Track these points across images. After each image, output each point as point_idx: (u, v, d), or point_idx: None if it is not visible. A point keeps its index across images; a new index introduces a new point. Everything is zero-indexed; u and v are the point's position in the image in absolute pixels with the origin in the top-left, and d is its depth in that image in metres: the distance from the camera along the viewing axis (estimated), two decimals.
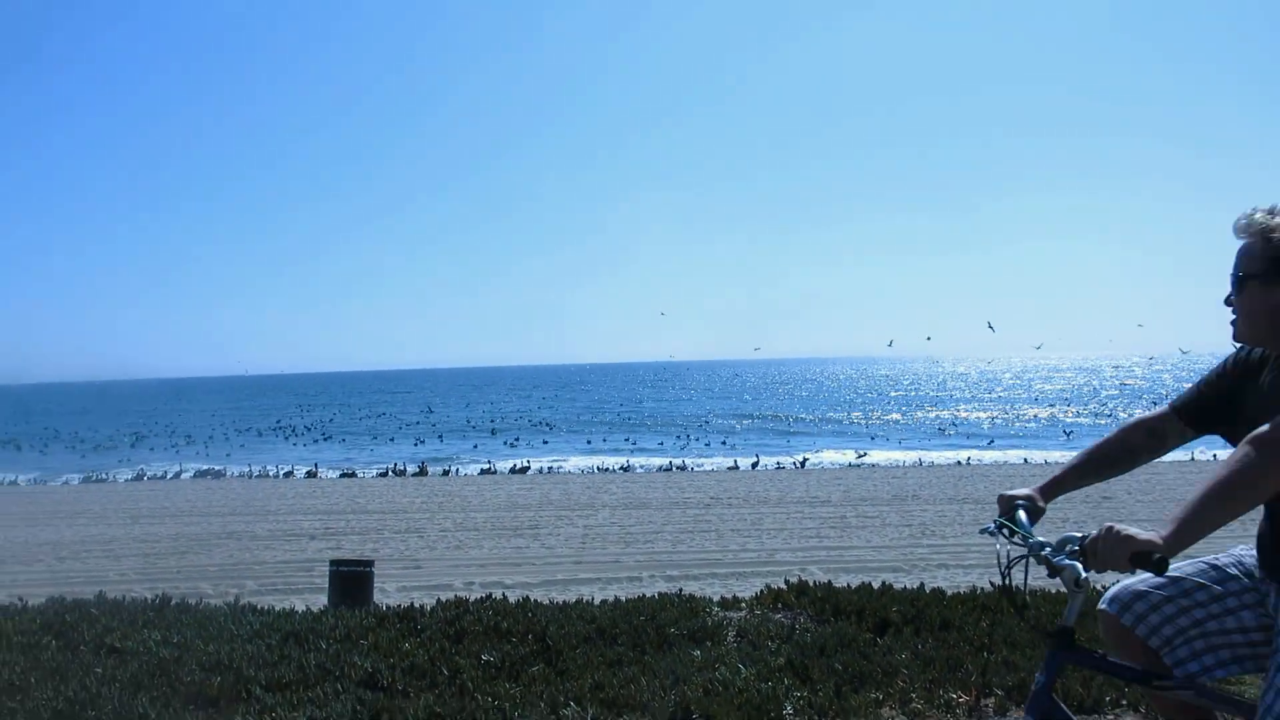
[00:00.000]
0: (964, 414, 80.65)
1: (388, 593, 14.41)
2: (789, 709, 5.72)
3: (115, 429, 78.33)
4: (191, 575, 17.14)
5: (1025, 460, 43.09)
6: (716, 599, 8.93)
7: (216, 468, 44.57)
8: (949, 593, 8.78)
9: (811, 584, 8.87)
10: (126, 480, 41.47)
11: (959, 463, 42.65)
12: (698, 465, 43.27)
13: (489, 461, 44.48)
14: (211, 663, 6.45)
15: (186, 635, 7.18)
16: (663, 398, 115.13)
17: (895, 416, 79.32)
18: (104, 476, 43.03)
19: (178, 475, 42.34)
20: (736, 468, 42.01)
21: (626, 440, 60.60)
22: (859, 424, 72.44)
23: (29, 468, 49.17)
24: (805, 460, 43.70)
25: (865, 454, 47.54)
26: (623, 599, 8.93)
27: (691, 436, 61.28)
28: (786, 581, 9.13)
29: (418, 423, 78.52)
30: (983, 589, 9.22)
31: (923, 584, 9.67)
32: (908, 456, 45.78)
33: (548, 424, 73.25)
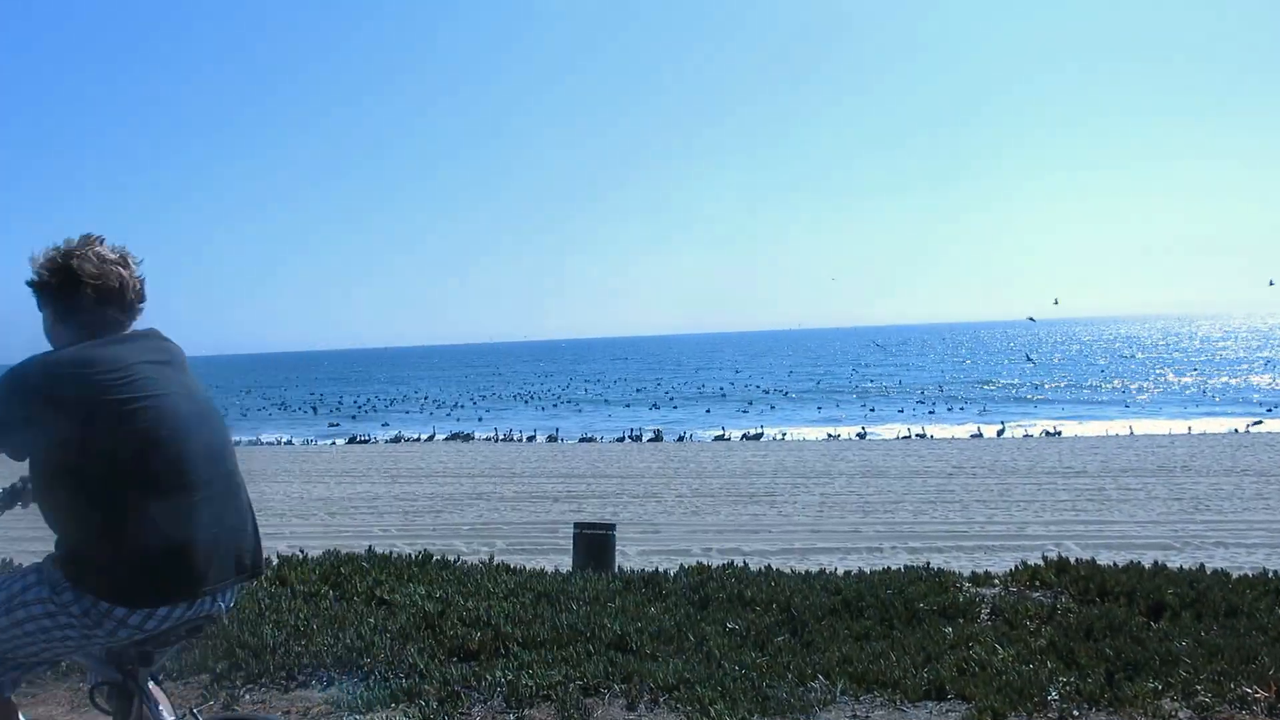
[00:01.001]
0: (1231, 380, 73.84)
1: (628, 556, 14.76)
2: (1054, 694, 5.38)
3: (367, 395, 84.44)
4: (446, 533, 18.19)
5: None
6: (966, 574, 8.58)
7: (466, 431, 47.16)
8: (1234, 575, 8.01)
9: (1073, 561, 8.34)
10: (386, 442, 44.61)
11: (1235, 431, 39.09)
12: (938, 433, 41.88)
13: (722, 428, 44.79)
14: (471, 618, 6.79)
15: (448, 591, 7.60)
16: (893, 363, 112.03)
17: (1144, 384, 73.65)
18: (366, 438, 46.48)
19: (431, 438, 45.11)
20: (980, 435, 40.33)
21: (863, 406, 59.50)
22: (1111, 391, 67.89)
23: (301, 429, 53.88)
24: (1059, 430, 41.35)
25: (1130, 424, 44.13)
26: (865, 570, 8.73)
27: (930, 402, 59.38)
28: (1044, 558, 8.62)
29: (647, 389, 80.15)
30: (1276, 571, 8.37)
31: (1201, 564, 8.89)
32: (1173, 426, 42.42)
33: (782, 391, 72.90)
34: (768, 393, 71.77)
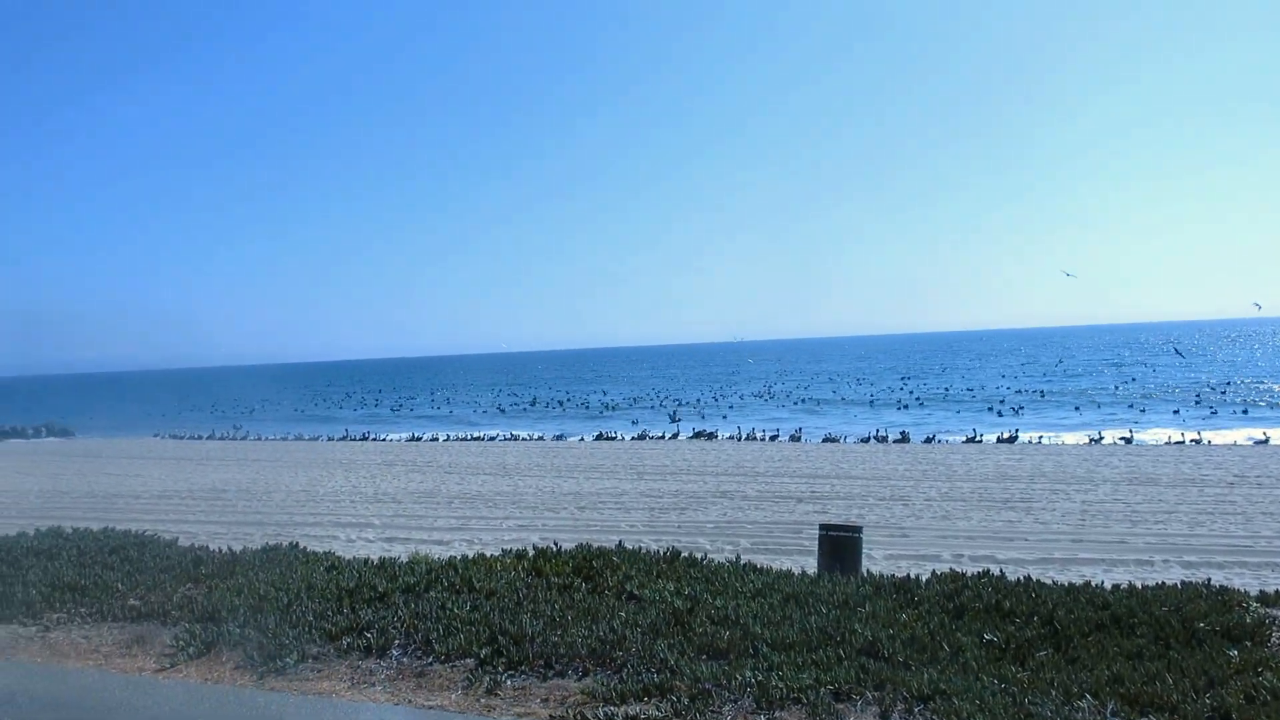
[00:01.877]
0: None
1: (875, 559, 14.47)
2: None
3: (612, 394, 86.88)
4: (690, 530, 18.45)
5: None
6: (1253, 593, 7.87)
7: (709, 430, 47.64)
8: None
9: None
10: (631, 439, 45.77)
11: None
12: (1215, 438, 38.42)
13: (974, 430, 43.01)
14: (720, 617, 6.88)
15: (696, 588, 7.74)
16: (1152, 363, 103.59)
17: None
18: (613, 435, 47.89)
19: (675, 436, 45.90)
20: (1265, 441, 36.69)
21: (1130, 407, 55.57)
22: None
23: (550, 426, 56.24)
24: None
25: None
26: (1135, 585, 8.17)
27: (1207, 405, 54.61)
28: None
29: (889, 390, 78.13)
30: None
31: None
32: None
33: (1039, 391, 69.15)
34: (1019, 394, 68.24)
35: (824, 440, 41.62)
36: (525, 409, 74.72)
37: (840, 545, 11.06)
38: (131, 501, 24.29)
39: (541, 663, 6.28)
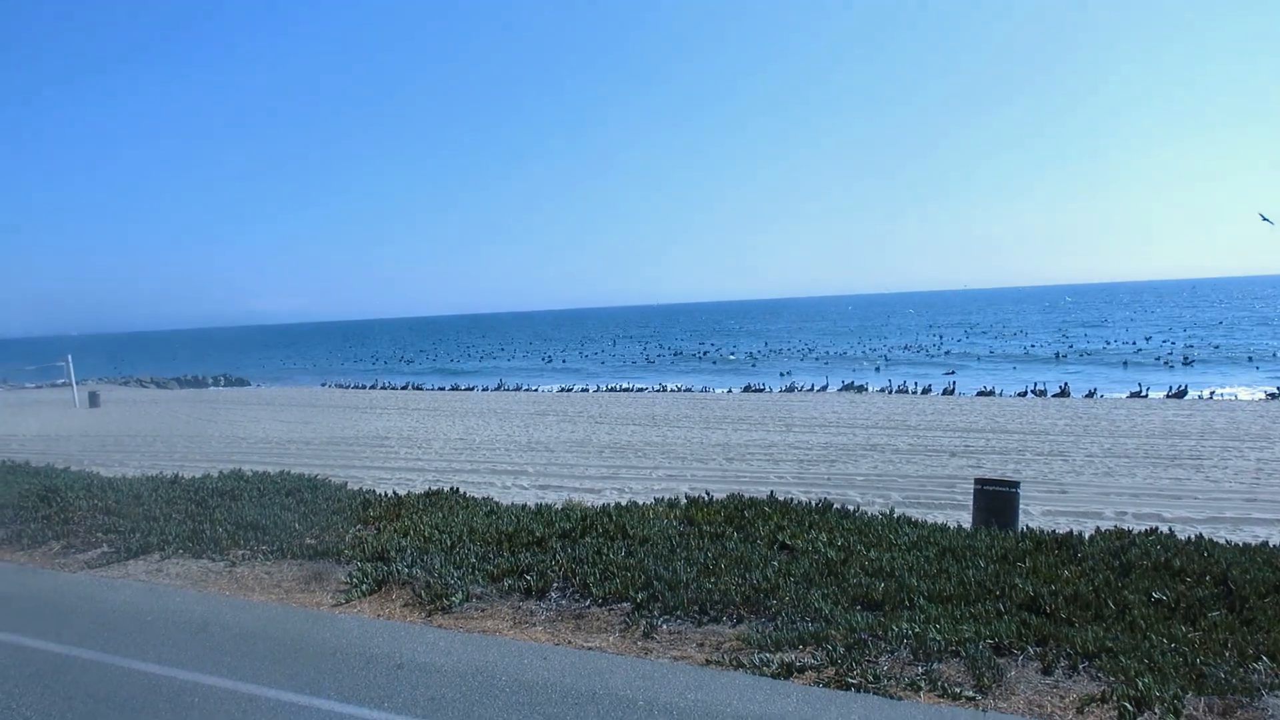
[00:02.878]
0: None
1: (1032, 515, 14.07)
2: None
3: (755, 345, 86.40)
4: (840, 483, 18.29)
5: None
6: None
7: (859, 382, 46.95)
8: None
9: None
10: (779, 391, 45.53)
11: None
12: None
13: (1139, 384, 41.01)
14: (874, 568, 6.87)
15: (849, 539, 7.74)
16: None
17: None
18: (760, 387, 47.73)
19: (824, 388, 45.40)
20: None
21: None
22: None
23: (696, 378, 56.47)
24: None
25: None
26: None
27: None
28: None
29: (1043, 342, 75.11)
30: None
31: None
32: None
33: (1214, 346, 65.28)
34: (1190, 347, 64.56)
35: (978, 394, 40.43)
36: (671, 360, 75.20)
37: (996, 500, 10.83)
38: (303, 447, 25.68)
39: (696, 608, 6.42)
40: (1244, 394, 38.03)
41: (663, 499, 9.85)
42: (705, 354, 78.64)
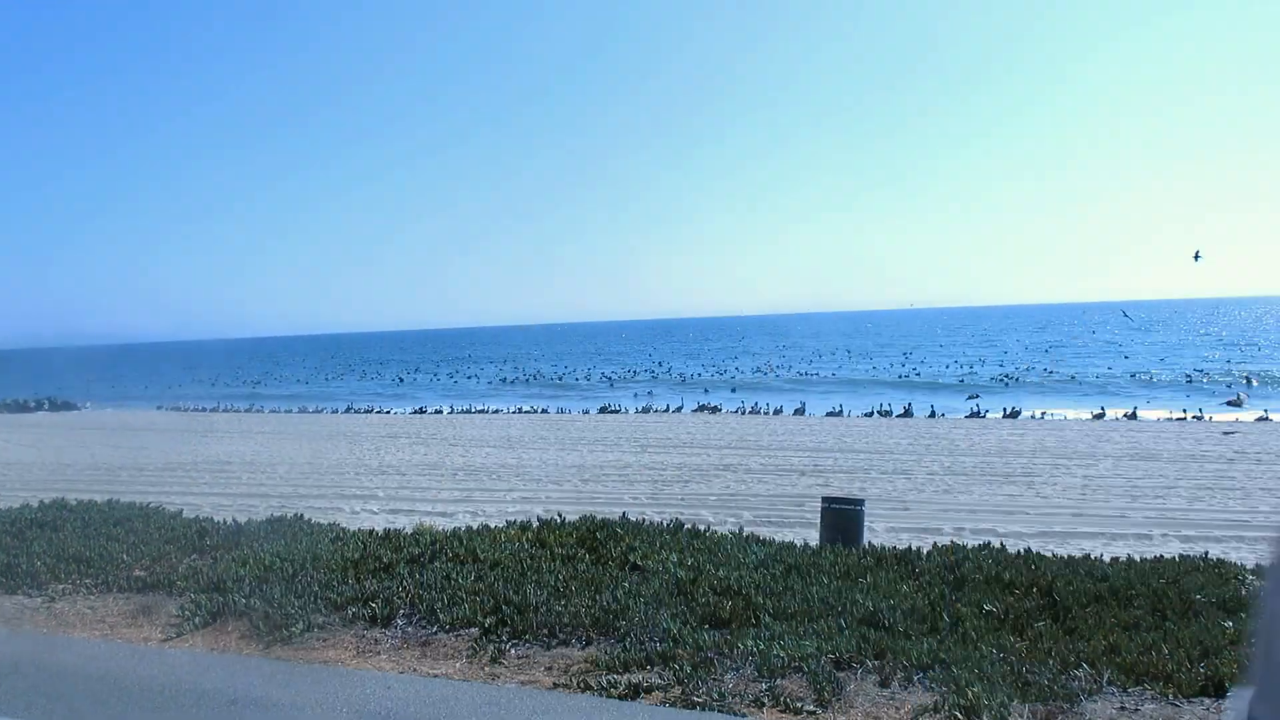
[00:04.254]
0: None
1: (876, 532, 14.54)
2: None
3: (615, 368, 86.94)
4: (693, 503, 18.52)
5: None
6: (1249, 566, 7.94)
7: (713, 403, 47.70)
8: None
9: None
10: (635, 413, 45.86)
11: None
12: (1216, 416, 38.43)
13: (976, 405, 43.05)
14: (722, 587, 6.95)
15: (699, 559, 7.81)
16: (1145, 340, 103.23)
17: None
18: (616, 408, 47.97)
19: (679, 409, 45.96)
20: (1266, 419, 36.70)
21: (1133, 378, 55.72)
22: None
23: (549, 399, 56.30)
24: None
25: None
26: (1134, 558, 8.24)
27: (1200, 384, 54.49)
28: None
29: (887, 364, 78.06)
30: None
31: None
32: None
33: (1046, 369, 69.00)
34: (1028, 369, 68.12)
35: (828, 414, 41.64)
36: (527, 382, 74.81)
37: (842, 518, 11.14)
38: (136, 474, 24.39)
39: (545, 632, 6.36)
40: (1071, 414, 40.34)
41: (515, 522, 9.75)
42: (562, 377, 78.51)
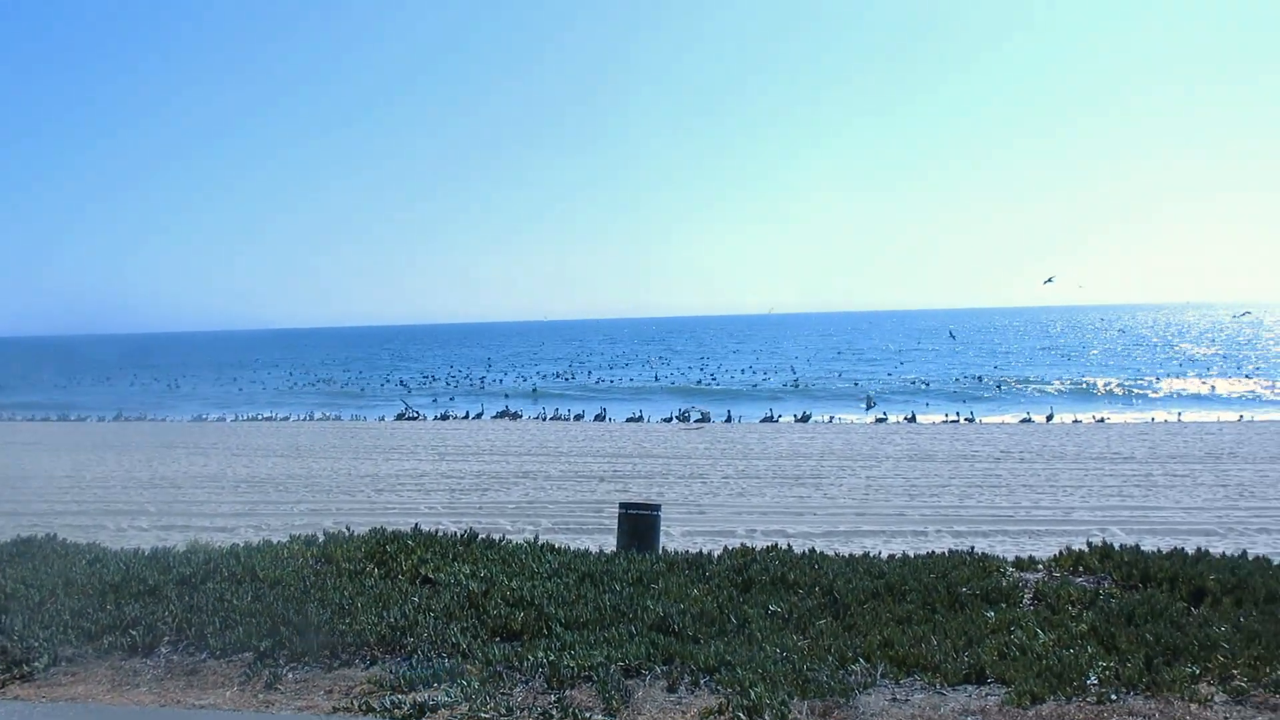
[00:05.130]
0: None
1: (673, 537, 14.77)
2: (1094, 679, 5.35)
3: (414, 372, 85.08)
4: (492, 511, 18.30)
5: None
6: (1010, 559, 8.49)
7: (513, 409, 47.38)
8: (1275, 561, 7.90)
9: (1117, 547, 8.24)
10: (434, 419, 44.96)
11: None
12: (986, 418, 41.39)
13: (770, 410, 44.60)
14: (515, 598, 6.83)
15: (492, 570, 7.66)
16: (933, 350, 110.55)
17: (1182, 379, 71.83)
18: (414, 415, 46.86)
19: (479, 415, 45.38)
20: (1029, 421, 39.80)
21: (912, 382, 59.21)
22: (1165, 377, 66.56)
23: (348, 406, 54.45)
24: (1104, 418, 40.66)
25: (1179, 412, 43.74)
26: (910, 554, 8.68)
27: (975, 391, 58.65)
28: (1088, 543, 8.52)
29: (689, 370, 79.97)
30: None
31: (1244, 551, 8.77)
32: (1222, 415, 41.70)
33: (837, 373, 72.35)
34: (821, 377, 71.20)
35: (628, 420, 42.13)
36: (320, 386, 72.03)
37: (639, 523, 11.20)
38: None
39: (327, 653, 6.06)
40: (854, 419, 42.43)
41: (300, 536, 9.30)
42: (349, 382, 75.82)
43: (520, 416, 44.92)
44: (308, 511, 18.31)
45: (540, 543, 8.99)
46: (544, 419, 43.43)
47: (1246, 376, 63.97)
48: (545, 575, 7.45)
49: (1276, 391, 55.60)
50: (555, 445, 30.33)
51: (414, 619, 6.44)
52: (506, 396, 57.62)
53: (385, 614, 6.52)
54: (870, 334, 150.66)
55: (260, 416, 47.97)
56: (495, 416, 45.24)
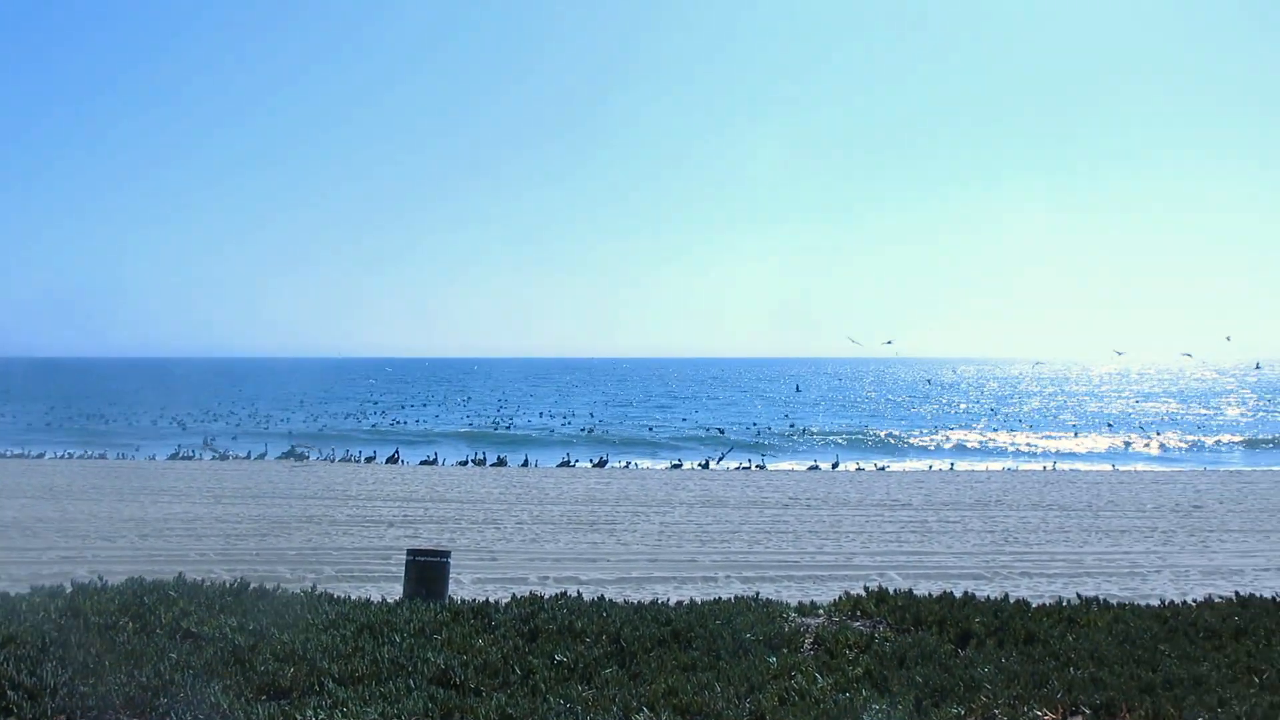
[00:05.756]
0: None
1: (463, 584, 14.42)
2: None
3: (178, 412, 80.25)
4: (270, 558, 17.38)
5: (1113, 468, 41.88)
6: (794, 604, 8.71)
7: (301, 450, 45.41)
8: (1034, 604, 8.48)
9: (891, 592, 8.61)
10: (212, 459, 42.50)
11: (1044, 469, 41.71)
12: (777, 466, 42.91)
13: (567, 455, 44.61)
14: (286, 653, 6.41)
15: (263, 622, 7.18)
16: (732, 398, 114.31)
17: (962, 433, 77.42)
18: (190, 454, 44.08)
19: (263, 456, 43.25)
20: (816, 468, 41.50)
21: (707, 431, 60.88)
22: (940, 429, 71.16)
23: (117, 443, 50.65)
24: (885, 466, 42.98)
25: (951, 461, 46.86)
26: (698, 600, 8.76)
27: (765, 439, 60.83)
28: (866, 588, 8.86)
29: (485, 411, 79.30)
30: (1068, 600, 8.86)
31: (1006, 594, 9.34)
32: (990, 464, 44.92)
33: (627, 420, 73.36)
34: (618, 423, 71.94)
35: (422, 463, 41.16)
36: (83, 424, 66.58)
37: (427, 570, 10.85)
38: None
39: (64, 718, 5.48)
40: (648, 465, 43.06)
41: (44, 587, 8.47)
42: (108, 419, 70.19)
43: (306, 458, 43.10)
44: (58, 559, 16.80)
45: (319, 592, 8.55)
46: (332, 460, 41.87)
47: (1010, 430, 69.16)
48: (321, 627, 7.06)
49: (1038, 443, 60.36)
50: (343, 488, 29.21)
51: (170, 677, 5.94)
52: (292, 435, 55.22)
53: (136, 673, 5.98)
54: (666, 380, 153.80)
55: (9, 454, 43.84)
56: (280, 457, 43.22)
